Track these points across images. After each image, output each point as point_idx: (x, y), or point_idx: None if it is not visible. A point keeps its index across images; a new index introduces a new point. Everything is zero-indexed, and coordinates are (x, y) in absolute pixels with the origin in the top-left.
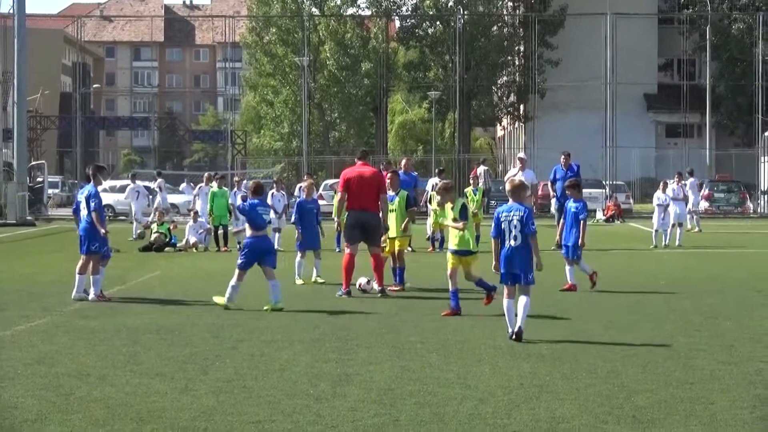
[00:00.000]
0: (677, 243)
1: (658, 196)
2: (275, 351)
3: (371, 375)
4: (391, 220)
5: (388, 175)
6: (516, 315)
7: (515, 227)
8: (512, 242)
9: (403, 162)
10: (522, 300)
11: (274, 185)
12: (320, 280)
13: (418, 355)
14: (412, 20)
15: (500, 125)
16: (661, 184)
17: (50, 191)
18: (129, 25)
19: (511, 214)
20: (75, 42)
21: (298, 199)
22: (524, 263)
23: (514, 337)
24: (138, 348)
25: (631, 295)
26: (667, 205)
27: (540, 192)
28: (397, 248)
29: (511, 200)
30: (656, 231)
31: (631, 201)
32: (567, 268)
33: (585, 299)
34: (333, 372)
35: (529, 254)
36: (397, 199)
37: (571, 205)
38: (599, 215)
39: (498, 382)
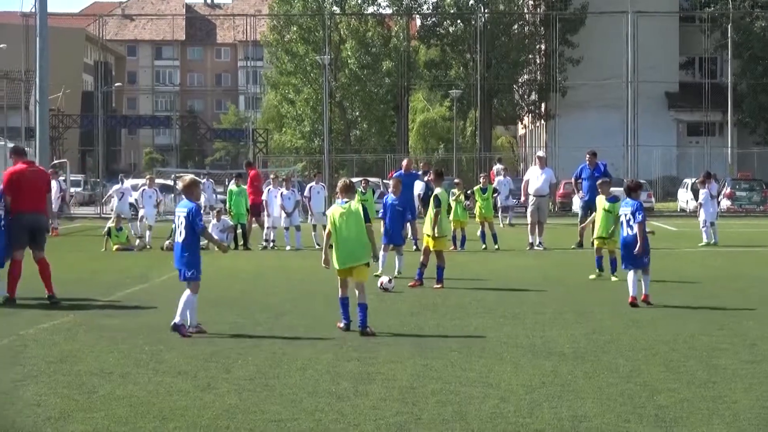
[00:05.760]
0: (704, 242)
1: (703, 192)
2: (297, 349)
3: (393, 373)
4: (428, 218)
5: (431, 175)
6: None
7: None
8: None
9: (404, 163)
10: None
11: (284, 183)
12: (397, 275)
13: (440, 354)
14: (433, 18)
15: (521, 123)
16: (699, 182)
17: (72, 190)
18: (150, 23)
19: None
20: (97, 41)
21: (385, 197)
22: None
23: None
24: (160, 346)
25: (653, 294)
26: (719, 201)
27: (561, 191)
28: (433, 248)
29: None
30: (712, 224)
31: (653, 200)
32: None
33: (607, 297)
34: (355, 370)
35: None
36: (432, 199)
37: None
38: None
39: (520, 380)
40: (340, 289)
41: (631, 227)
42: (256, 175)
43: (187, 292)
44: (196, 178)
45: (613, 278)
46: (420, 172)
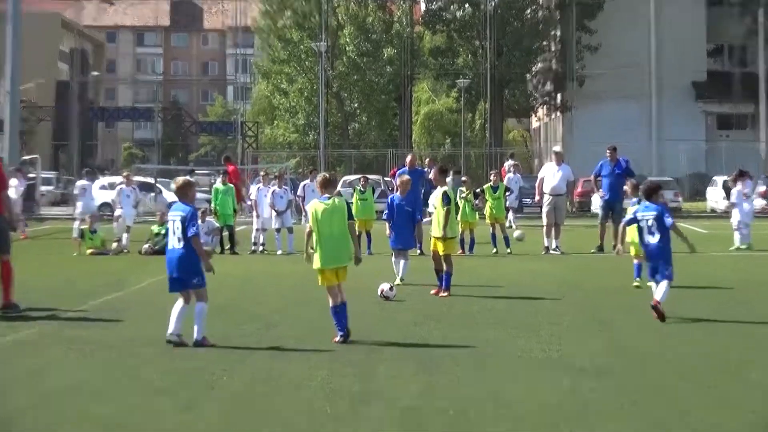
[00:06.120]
0: (737, 246)
1: (736, 191)
2: (288, 365)
3: (394, 392)
4: (435, 219)
5: (433, 172)
6: None
7: None
8: None
9: (408, 159)
10: None
11: (275, 180)
12: (398, 282)
13: (447, 370)
14: (439, 2)
15: (535, 116)
16: (731, 180)
17: (43, 188)
18: (132, 8)
19: None
20: (73, 27)
21: (390, 197)
22: None
23: None
24: (136, 361)
25: (681, 302)
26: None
27: (579, 189)
28: (442, 251)
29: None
30: (746, 225)
31: (680, 199)
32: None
33: (630, 305)
34: (352, 388)
35: None
36: (437, 197)
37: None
38: None
39: (535, 399)
40: (330, 298)
41: (653, 234)
42: (235, 171)
43: (198, 304)
44: (190, 179)
45: (635, 283)
46: (426, 169)
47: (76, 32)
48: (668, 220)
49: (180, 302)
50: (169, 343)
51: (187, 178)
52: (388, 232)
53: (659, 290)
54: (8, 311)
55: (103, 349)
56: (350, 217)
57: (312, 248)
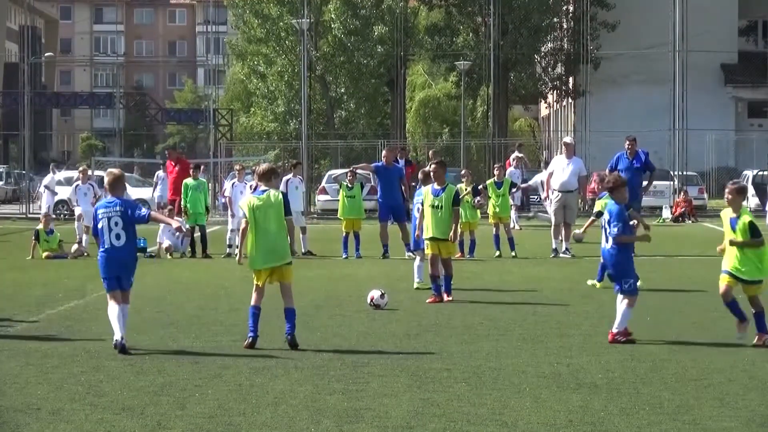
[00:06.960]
0: None
1: None
2: (268, 380)
3: (385, 410)
4: (436, 218)
5: (433, 166)
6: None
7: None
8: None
9: (384, 153)
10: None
11: (253, 175)
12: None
13: (443, 386)
14: None
15: (544, 102)
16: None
17: None
18: None
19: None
20: (22, 1)
21: (417, 190)
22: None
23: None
24: (100, 376)
25: (705, 312)
26: None
27: (592, 185)
28: (443, 254)
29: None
30: None
31: (705, 196)
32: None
33: (647, 316)
34: (339, 406)
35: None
36: (443, 195)
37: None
38: (666, 213)
39: (541, 418)
40: (253, 295)
41: (606, 238)
42: (180, 164)
43: (124, 306)
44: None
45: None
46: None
47: (26, 7)
48: (612, 228)
49: (114, 306)
50: (115, 348)
51: (120, 170)
52: (417, 231)
53: (617, 317)
54: None
55: (63, 362)
56: (287, 212)
57: (246, 248)
